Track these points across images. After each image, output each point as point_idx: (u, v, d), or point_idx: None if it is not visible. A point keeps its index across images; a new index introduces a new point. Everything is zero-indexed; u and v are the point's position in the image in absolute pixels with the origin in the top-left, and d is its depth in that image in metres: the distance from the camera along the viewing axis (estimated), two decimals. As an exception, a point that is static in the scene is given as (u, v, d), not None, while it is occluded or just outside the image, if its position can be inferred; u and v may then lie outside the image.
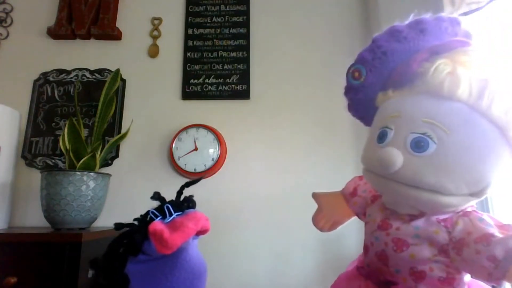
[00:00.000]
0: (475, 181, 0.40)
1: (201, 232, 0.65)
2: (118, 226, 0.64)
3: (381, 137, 0.46)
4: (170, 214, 0.63)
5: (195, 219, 0.62)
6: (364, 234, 0.56)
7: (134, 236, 0.59)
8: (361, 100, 0.53)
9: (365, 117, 0.58)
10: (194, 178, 1.35)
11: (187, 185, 0.74)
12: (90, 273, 0.97)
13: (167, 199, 0.72)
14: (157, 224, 0.58)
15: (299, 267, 1.28)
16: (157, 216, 0.63)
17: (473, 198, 0.41)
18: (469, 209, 0.44)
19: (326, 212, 0.69)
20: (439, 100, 0.42)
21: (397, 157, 0.42)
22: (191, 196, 0.73)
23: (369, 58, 0.51)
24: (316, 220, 0.69)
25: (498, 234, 0.38)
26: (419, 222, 0.45)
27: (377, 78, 0.50)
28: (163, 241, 0.56)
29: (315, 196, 0.72)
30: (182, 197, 0.71)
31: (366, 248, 0.53)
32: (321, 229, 0.68)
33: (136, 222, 0.64)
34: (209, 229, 0.66)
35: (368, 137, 0.53)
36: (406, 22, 0.52)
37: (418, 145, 0.41)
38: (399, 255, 0.45)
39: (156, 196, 0.69)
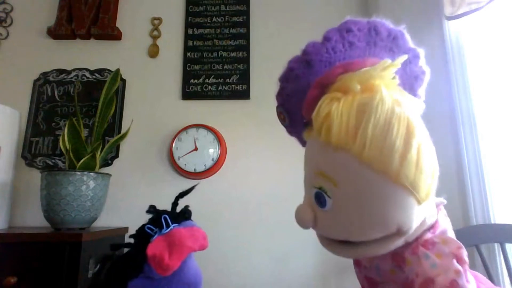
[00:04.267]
0: (383, 227, 0.35)
1: (198, 250, 0.65)
2: (114, 247, 0.64)
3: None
4: (167, 225, 0.63)
5: (193, 238, 0.63)
6: None
7: (134, 259, 0.59)
8: (297, 135, 0.49)
9: None
10: (193, 178, 1.35)
11: (181, 196, 0.74)
12: (90, 273, 0.98)
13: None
14: (156, 247, 0.58)
15: (299, 266, 1.28)
16: (153, 231, 0.63)
17: (398, 237, 0.36)
18: (428, 235, 0.38)
19: None
20: (325, 147, 0.36)
21: (305, 214, 0.39)
22: (187, 207, 0.73)
23: (281, 99, 0.47)
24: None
25: (438, 279, 0.34)
26: (377, 260, 0.41)
27: (295, 119, 0.45)
28: (163, 265, 0.57)
29: None
30: (178, 208, 0.71)
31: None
32: None
33: (132, 240, 0.64)
34: (207, 247, 0.66)
35: None
36: (295, 58, 0.44)
37: (319, 201, 0.38)
38: None
39: (152, 209, 0.69)
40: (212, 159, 1.32)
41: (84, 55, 1.50)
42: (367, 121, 0.33)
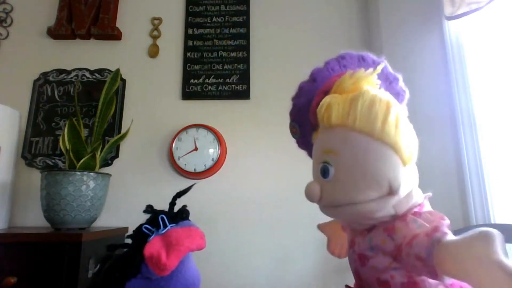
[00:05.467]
0: (376, 184, 0.43)
1: (195, 250, 0.65)
2: (111, 247, 0.64)
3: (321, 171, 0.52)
4: (165, 225, 0.63)
5: (190, 238, 0.63)
6: None
7: (132, 259, 0.59)
8: (308, 147, 0.59)
9: None
10: (193, 178, 1.35)
11: (179, 195, 0.74)
12: (90, 273, 0.98)
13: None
14: (153, 247, 0.58)
15: (299, 266, 1.28)
16: (150, 231, 0.63)
17: (391, 196, 0.44)
18: (416, 209, 0.46)
19: (337, 240, 0.70)
20: (327, 131, 0.48)
21: (313, 189, 0.47)
22: (184, 207, 0.72)
23: (294, 114, 0.60)
24: (331, 251, 0.71)
25: (423, 230, 0.40)
26: (371, 235, 0.48)
27: (307, 129, 0.57)
28: (160, 265, 0.57)
29: (320, 228, 0.75)
30: (176, 208, 0.71)
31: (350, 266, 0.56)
32: (339, 256, 0.70)
33: (129, 240, 0.64)
34: (205, 247, 0.66)
35: None
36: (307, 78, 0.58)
37: (324, 172, 0.47)
38: (364, 269, 0.48)
39: (149, 209, 0.69)
40: (212, 159, 1.32)
41: (84, 55, 1.50)
42: (356, 103, 0.44)
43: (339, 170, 0.45)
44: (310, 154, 0.58)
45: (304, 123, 0.56)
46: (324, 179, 0.47)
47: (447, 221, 0.41)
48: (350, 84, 0.47)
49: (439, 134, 1.14)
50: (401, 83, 0.54)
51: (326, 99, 0.48)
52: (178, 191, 0.75)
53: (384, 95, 0.45)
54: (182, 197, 0.78)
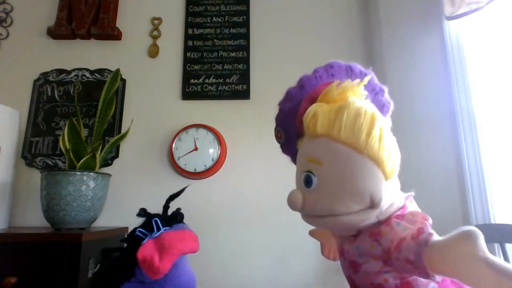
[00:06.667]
0: (358, 197, 0.44)
1: (188, 253, 0.65)
2: (105, 251, 0.64)
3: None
4: (158, 229, 0.63)
5: (183, 241, 0.63)
6: None
7: (125, 263, 0.59)
8: (293, 153, 0.59)
9: None
10: (193, 178, 1.35)
11: (172, 198, 0.74)
12: (90, 273, 0.98)
13: (167, 200, 0.72)
14: (146, 250, 0.58)
15: (299, 266, 1.28)
16: (144, 234, 0.63)
17: (372, 210, 0.44)
18: (398, 212, 0.47)
19: (329, 245, 0.71)
20: (312, 139, 0.48)
21: (296, 197, 0.48)
22: (178, 209, 0.72)
23: (280, 119, 0.59)
24: (325, 254, 0.72)
25: (410, 233, 0.42)
26: (358, 241, 0.48)
27: (292, 134, 0.57)
28: (153, 268, 0.57)
29: (311, 234, 0.76)
30: (169, 211, 0.71)
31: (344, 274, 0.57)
32: (335, 259, 0.70)
33: (124, 244, 0.64)
34: (198, 250, 0.66)
35: None
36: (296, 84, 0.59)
37: (307, 182, 0.47)
38: (358, 276, 0.48)
39: (143, 213, 0.69)
40: (212, 159, 1.32)
41: (84, 55, 1.50)
42: (342, 114, 0.45)
43: (321, 181, 0.46)
44: (293, 161, 0.59)
45: (289, 128, 0.57)
46: (307, 189, 0.47)
47: (430, 221, 0.42)
48: (336, 94, 0.48)
49: (439, 134, 1.14)
50: (387, 95, 0.56)
51: (313, 107, 0.48)
52: (171, 193, 0.75)
53: (369, 107, 0.45)
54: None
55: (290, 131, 0.57)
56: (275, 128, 0.61)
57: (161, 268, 0.57)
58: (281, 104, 0.59)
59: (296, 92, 0.57)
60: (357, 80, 0.49)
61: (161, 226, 0.64)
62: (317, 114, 0.47)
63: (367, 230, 0.47)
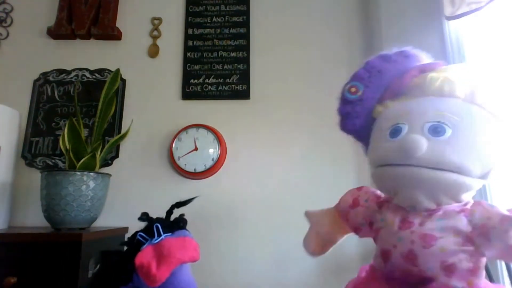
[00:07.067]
0: (486, 161, 0.47)
1: (188, 262, 0.64)
2: (106, 253, 0.64)
3: (394, 132, 0.52)
4: (159, 235, 0.63)
5: (183, 249, 0.62)
6: (379, 240, 0.56)
7: (123, 267, 0.59)
8: (359, 113, 0.60)
9: (359, 131, 0.63)
10: (193, 177, 1.35)
11: (177, 205, 0.73)
12: (90, 272, 0.97)
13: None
14: (144, 256, 0.58)
15: (299, 267, 1.28)
16: (145, 239, 0.62)
17: (482, 181, 0.48)
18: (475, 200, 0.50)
19: (320, 230, 0.69)
20: (443, 99, 0.51)
21: (421, 140, 0.47)
22: (182, 215, 0.72)
23: (365, 76, 0.61)
24: (307, 242, 0.69)
25: None
26: (440, 215, 0.48)
27: (373, 93, 0.59)
28: (150, 276, 0.56)
29: (308, 214, 0.73)
30: (172, 217, 0.70)
31: (386, 253, 0.52)
32: (313, 252, 0.69)
33: (124, 247, 0.64)
34: (198, 259, 0.65)
35: (374, 138, 0.58)
36: (392, 51, 0.63)
37: (436, 131, 0.47)
38: (429, 251, 0.46)
39: (144, 217, 0.68)
40: (212, 159, 1.32)
41: (84, 55, 1.50)
42: (483, 86, 0.51)
43: (458, 134, 0.47)
44: (350, 124, 0.61)
45: (375, 85, 0.59)
46: (434, 137, 0.47)
47: None
48: (460, 74, 0.54)
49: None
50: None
51: (446, 76, 0.53)
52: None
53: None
54: (182, 197, 0.78)
55: (373, 88, 0.59)
56: (348, 83, 0.62)
57: (158, 276, 0.56)
58: (375, 62, 0.61)
59: (400, 58, 0.60)
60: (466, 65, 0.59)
61: (162, 232, 0.64)
62: (453, 80, 0.51)
63: (449, 208, 0.48)
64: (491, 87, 0.52)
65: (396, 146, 0.49)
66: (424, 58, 0.63)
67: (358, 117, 0.60)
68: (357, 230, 0.65)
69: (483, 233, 0.44)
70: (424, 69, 0.58)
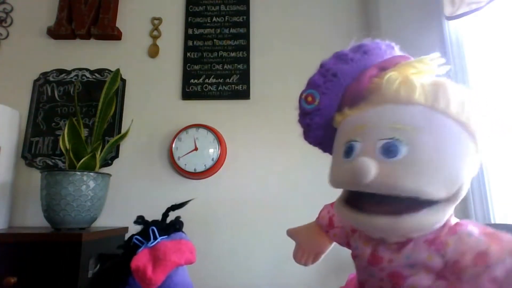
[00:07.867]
0: (451, 182, 0.39)
1: (184, 264, 0.64)
2: (102, 257, 0.64)
3: (348, 151, 0.44)
4: (155, 237, 0.63)
5: (179, 252, 0.61)
6: (356, 269, 0.53)
7: (119, 270, 0.59)
8: (319, 124, 0.53)
9: (323, 142, 0.57)
10: (193, 178, 1.35)
11: (173, 208, 0.73)
12: (90, 272, 0.97)
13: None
14: (140, 259, 0.58)
15: (298, 267, 1.27)
16: (141, 242, 0.62)
17: (450, 204, 0.40)
18: (452, 222, 0.42)
19: (306, 247, 0.66)
20: (400, 106, 0.42)
21: (370, 164, 0.39)
22: (177, 218, 0.71)
23: (320, 82, 0.52)
24: (298, 258, 0.67)
25: (492, 249, 0.37)
26: (409, 250, 0.42)
27: (331, 100, 0.50)
28: (146, 279, 0.56)
29: (290, 233, 0.70)
30: (168, 219, 0.70)
31: (361, 284, 0.50)
32: (306, 264, 0.67)
33: (121, 250, 0.64)
34: (194, 261, 0.64)
35: (332, 158, 0.51)
36: (349, 48, 0.54)
37: (388, 150, 0.39)
38: None
39: (140, 220, 0.68)
40: (212, 159, 1.32)
41: (84, 55, 1.50)
42: (449, 88, 0.41)
43: (414, 152, 0.38)
44: (312, 137, 0.54)
45: (332, 92, 0.50)
46: (386, 159, 0.39)
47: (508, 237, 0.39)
48: (425, 71, 0.45)
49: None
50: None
51: (406, 76, 0.44)
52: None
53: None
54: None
55: (331, 95, 0.50)
56: (304, 92, 0.54)
57: (153, 279, 0.56)
58: (330, 63, 0.52)
59: (357, 56, 0.51)
60: (438, 55, 0.46)
61: (157, 235, 0.63)
62: (412, 82, 0.42)
63: (421, 238, 0.41)
64: (457, 87, 0.42)
65: (349, 168, 0.41)
66: (391, 51, 0.53)
67: (319, 129, 0.54)
68: (341, 245, 0.63)
69: (455, 272, 0.38)
70: (385, 66, 0.47)
